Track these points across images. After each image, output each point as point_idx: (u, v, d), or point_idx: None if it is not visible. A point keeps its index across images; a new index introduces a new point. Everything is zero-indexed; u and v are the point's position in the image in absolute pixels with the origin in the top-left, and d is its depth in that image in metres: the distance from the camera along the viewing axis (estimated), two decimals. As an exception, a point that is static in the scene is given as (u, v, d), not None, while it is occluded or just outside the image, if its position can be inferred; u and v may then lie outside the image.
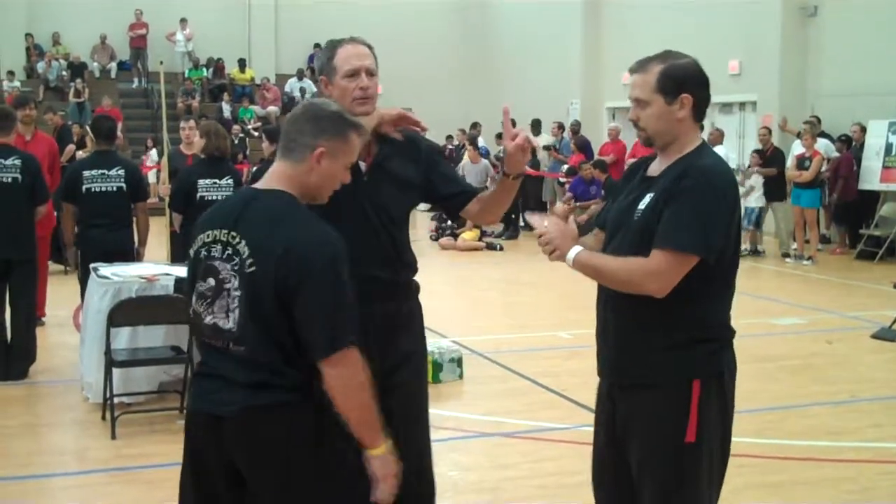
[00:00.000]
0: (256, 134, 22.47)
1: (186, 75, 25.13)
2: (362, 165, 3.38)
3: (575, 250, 2.97)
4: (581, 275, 3.02)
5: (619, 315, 3.03)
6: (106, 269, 6.78)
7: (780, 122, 16.10)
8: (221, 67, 25.79)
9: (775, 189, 14.28)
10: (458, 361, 7.36)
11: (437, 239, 16.31)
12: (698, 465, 2.97)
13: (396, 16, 25.52)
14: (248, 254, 2.75)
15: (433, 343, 7.31)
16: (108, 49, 25.39)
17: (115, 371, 6.07)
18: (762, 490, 5.11)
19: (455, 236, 16.01)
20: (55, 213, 9.37)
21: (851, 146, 14.88)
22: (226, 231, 2.82)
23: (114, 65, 25.48)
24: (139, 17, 24.98)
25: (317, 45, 24.52)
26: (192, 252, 2.92)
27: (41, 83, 24.01)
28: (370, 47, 3.48)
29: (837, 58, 16.05)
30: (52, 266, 10.77)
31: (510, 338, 9.01)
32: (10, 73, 23.27)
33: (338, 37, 3.53)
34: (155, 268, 6.95)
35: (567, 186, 16.78)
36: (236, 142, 21.99)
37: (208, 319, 2.83)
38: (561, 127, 19.54)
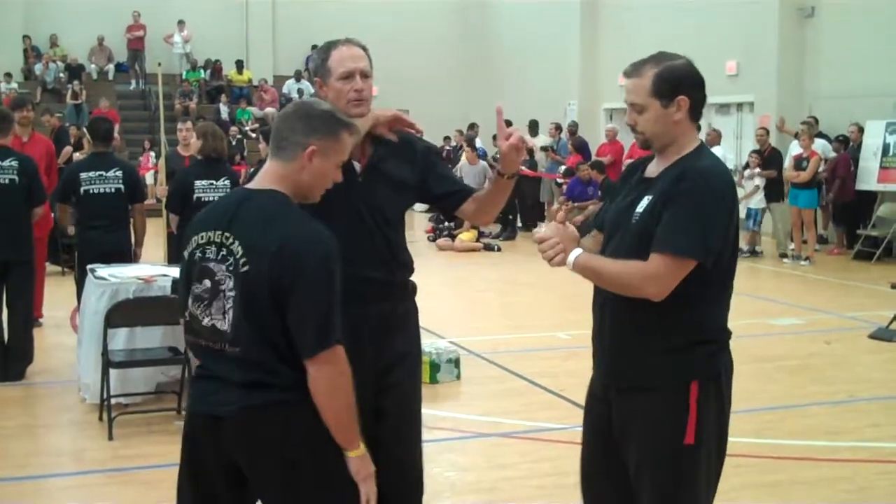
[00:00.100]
0: (254, 135, 22.46)
1: (184, 77, 25.11)
2: (357, 166, 3.38)
3: (575, 253, 2.96)
4: (579, 276, 3.02)
5: (617, 318, 3.02)
6: (103, 271, 6.78)
7: (777, 123, 16.11)
8: (219, 69, 25.77)
9: (773, 190, 14.29)
10: (456, 362, 7.36)
11: (434, 240, 16.31)
12: (697, 466, 2.96)
13: (395, 16, 25.52)
14: (242, 254, 2.75)
15: (431, 343, 7.32)
16: (106, 51, 25.37)
17: (113, 372, 6.06)
18: (760, 490, 5.11)
19: (453, 237, 16.01)
20: (52, 215, 9.36)
21: (849, 147, 14.89)
22: (220, 232, 2.81)
23: (111, 66, 25.46)
24: (137, 18, 24.96)
25: (314, 47, 24.48)
26: (186, 254, 2.91)
27: (38, 85, 24.00)
28: (365, 49, 3.47)
29: (835, 58, 16.07)
30: (50, 267, 10.77)
31: (508, 338, 9.01)
32: (8, 75, 23.25)
33: (336, 38, 3.52)
34: (152, 269, 6.95)
35: (564, 187, 16.78)
36: (234, 143, 21.97)
37: (206, 321, 2.82)
38: (558, 128, 19.54)
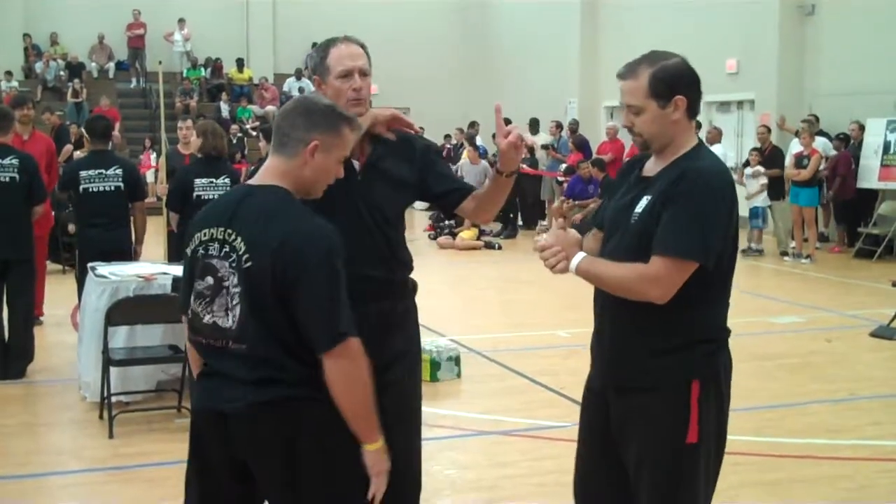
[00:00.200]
0: (255, 133, 22.47)
1: (184, 75, 25.12)
2: (356, 164, 3.38)
3: (577, 258, 2.95)
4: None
5: (617, 319, 3.01)
6: (104, 269, 6.78)
7: (778, 121, 16.10)
8: (219, 67, 25.79)
9: (774, 188, 14.28)
10: (457, 360, 7.36)
11: (435, 238, 16.31)
12: (697, 465, 2.96)
13: (395, 15, 25.53)
14: (245, 249, 2.75)
15: (431, 341, 7.33)
16: (106, 49, 25.38)
17: (113, 370, 6.06)
18: (760, 488, 5.10)
19: (453, 235, 16.02)
20: (52, 213, 9.36)
21: (849, 145, 14.88)
22: (222, 228, 2.81)
23: (112, 65, 25.47)
24: (137, 17, 24.97)
25: (315, 45, 24.46)
26: (188, 251, 2.90)
27: (39, 83, 24.00)
28: (363, 47, 3.46)
29: (835, 56, 16.06)
30: (50, 265, 10.76)
31: (508, 336, 9.01)
32: (8, 74, 23.26)
33: (334, 36, 3.51)
34: (152, 267, 6.95)
35: (565, 185, 16.78)
36: (234, 141, 21.99)
37: (207, 319, 2.82)
38: (559, 126, 19.54)
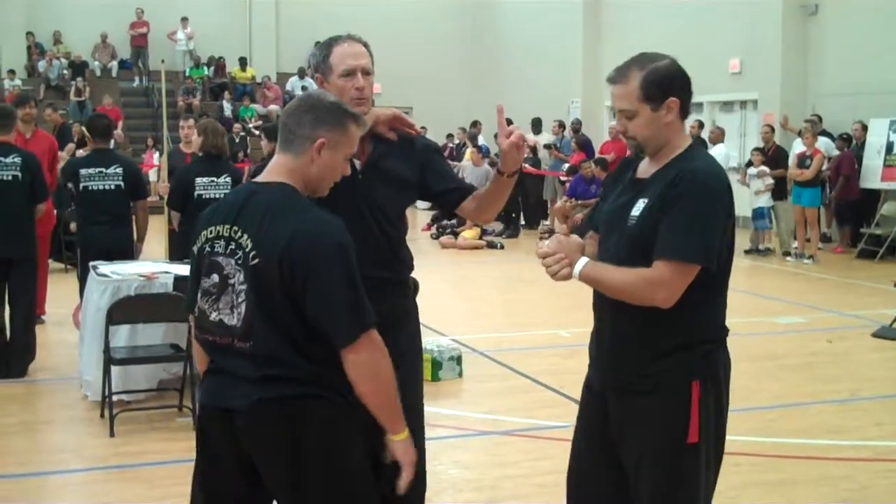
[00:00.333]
0: (257, 132, 22.45)
1: (187, 74, 25.13)
2: (357, 164, 3.38)
3: (580, 263, 2.94)
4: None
5: (617, 321, 3.00)
6: (105, 268, 6.78)
7: (780, 121, 16.09)
8: (222, 66, 25.79)
9: (776, 188, 14.27)
10: (458, 360, 7.35)
11: (437, 237, 16.32)
12: (698, 465, 2.96)
13: (398, 14, 25.53)
14: (251, 247, 2.74)
15: (433, 341, 7.33)
16: (109, 48, 25.39)
17: (114, 369, 6.07)
18: (762, 488, 5.10)
19: (456, 235, 16.02)
20: (55, 212, 9.37)
21: (852, 145, 14.87)
22: (228, 226, 2.80)
23: (115, 63, 25.48)
24: (140, 15, 24.98)
25: (317, 44, 24.48)
26: (195, 249, 2.90)
27: (42, 82, 24.02)
28: (366, 45, 3.45)
29: (838, 56, 16.04)
30: (53, 264, 10.78)
31: (510, 336, 9.00)
32: (11, 72, 23.28)
33: (337, 34, 3.51)
34: (154, 266, 6.95)
35: (567, 185, 16.77)
36: (237, 140, 22.00)
37: (213, 316, 2.81)
38: (562, 125, 19.54)
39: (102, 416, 6.16)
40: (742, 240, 14.82)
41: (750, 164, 14.65)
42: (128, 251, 7.59)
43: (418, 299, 3.75)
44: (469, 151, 19.03)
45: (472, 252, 15.45)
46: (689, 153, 2.99)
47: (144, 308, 6.22)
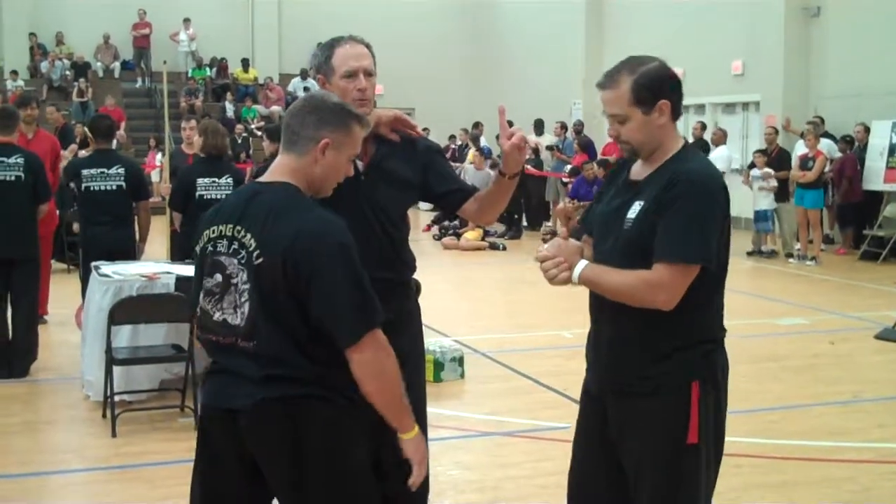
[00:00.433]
0: (259, 133, 22.43)
1: (190, 75, 25.14)
2: (360, 165, 3.37)
3: (580, 267, 2.93)
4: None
5: (616, 323, 3.00)
6: (107, 268, 6.79)
7: (783, 123, 16.08)
8: (225, 67, 25.80)
9: (779, 190, 14.27)
10: (460, 361, 7.35)
11: (440, 238, 16.33)
12: (698, 466, 2.96)
13: (400, 15, 25.54)
14: (255, 246, 2.74)
15: (435, 342, 7.32)
16: (112, 49, 25.40)
17: (116, 369, 6.07)
18: (764, 490, 5.09)
19: (458, 236, 16.03)
20: (57, 212, 9.37)
21: (854, 147, 14.85)
22: (231, 225, 2.80)
23: (117, 64, 25.50)
24: (142, 16, 24.99)
25: (320, 45, 24.50)
26: (197, 249, 2.90)
27: (45, 83, 24.03)
28: (368, 46, 3.46)
29: (841, 58, 16.03)
30: (55, 264, 10.77)
31: (512, 337, 9.00)
32: (14, 73, 23.30)
33: (339, 35, 3.51)
34: (156, 266, 6.95)
35: (569, 186, 16.77)
36: (239, 141, 22.01)
37: (217, 316, 2.81)
38: (564, 127, 19.54)
39: (104, 416, 6.16)
40: (745, 242, 14.83)
41: (752, 165, 14.64)
42: (129, 251, 7.60)
43: (420, 300, 3.74)
44: (471, 153, 19.04)
45: (475, 253, 15.45)
46: (683, 154, 2.98)
47: (146, 308, 6.22)
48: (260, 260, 2.72)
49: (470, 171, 17.35)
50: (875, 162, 14.43)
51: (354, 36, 3.46)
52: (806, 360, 8.09)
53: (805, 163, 13.80)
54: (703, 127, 16.79)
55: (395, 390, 2.76)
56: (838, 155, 14.71)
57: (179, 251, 7.60)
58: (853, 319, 9.80)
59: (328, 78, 3.38)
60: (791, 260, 14.04)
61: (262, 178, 2.93)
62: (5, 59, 24.16)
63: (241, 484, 2.84)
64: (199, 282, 2.89)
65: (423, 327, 3.71)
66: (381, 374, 2.73)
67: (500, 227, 17.29)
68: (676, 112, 2.98)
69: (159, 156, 19.49)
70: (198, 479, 2.91)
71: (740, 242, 14.91)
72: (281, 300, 2.70)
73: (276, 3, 26.35)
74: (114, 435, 5.90)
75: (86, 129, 11.56)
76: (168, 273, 6.60)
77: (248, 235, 2.75)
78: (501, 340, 8.77)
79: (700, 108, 19.04)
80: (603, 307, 3.01)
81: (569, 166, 17.75)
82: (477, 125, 21.41)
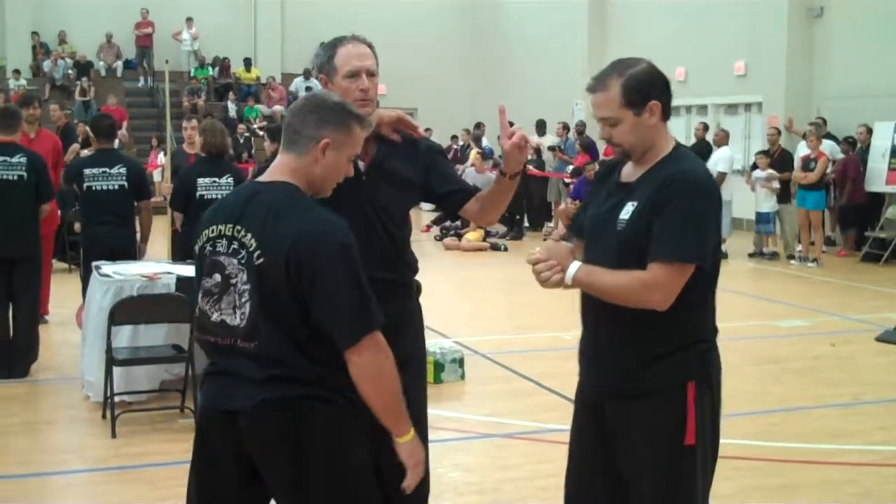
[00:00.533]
0: (262, 133, 22.43)
1: (192, 74, 25.14)
2: (361, 165, 3.37)
3: (573, 268, 2.93)
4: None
5: (611, 326, 3.00)
6: (108, 268, 6.78)
7: (785, 124, 16.07)
8: (227, 66, 25.79)
9: (781, 191, 14.25)
10: (460, 362, 7.34)
11: (441, 239, 16.33)
12: (696, 466, 2.96)
13: (403, 15, 25.53)
14: (256, 246, 2.73)
15: (435, 343, 7.31)
16: (114, 48, 25.40)
17: (116, 369, 6.06)
18: (764, 493, 5.08)
19: (459, 236, 16.02)
20: (59, 212, 9.37)
21: (856, 148, 14.84)
22: (230, 225, 2.79)
23: (120, 63, 25.49)
24: (145, 16, 24.99)
25: (322, 45, 24.50)
26: (196, 248, 2.89)
27: (47, 82, 24.03)
28: (371, 46, 3.45)
29: (843, 59, 16.01)
30: (56, 264, 10.77)
31: (513, 338, 9.00)
32: (16, 72, 23.30)
33: (342, 35, 3.50)
34: (157, 266, 6.95)
35: (571, 187, 16.76)
36: (241, 141, 22.00)
37: (215, 317, 2.80)
38: (566, 127, 19.52)
39: (104, 416, 6.15)
40: (746, 243, 14.82)
41: (755, 166, 14.63)
42: (131, 251, 7.60)
43: (421, 301, 3.74)
44: (473, 153, 19.02)
45: (476, 254, 15.44)
46: (676, 155, 2.99)
47: (147, 309, 6.22)
48: (261, 260, 2.71)
49: (471, 174, 17.31)
50: (877, 163, 14.41)
51: (357, 36, 3.46)
52: (807, 362, 8.08)
53: (807, 164, 13.79)
54: (706, 128, 16.77)
55: (392, 393, 2.75)
56: (840, 156, 14.69)
57: (181, 251, 7.60)
58: (854, 321, 9.79)
59: (330, 78, 3.37)
60: (792, 261, 14.03)
61: (261, 178, 2.92)
62: (8, 58, 24.17)
63: (239, 486, 2.83)
64: (200, 282, 2.88)
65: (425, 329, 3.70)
66: (380, 376, 2.72)
67: (502, 228, 17.28)
68: (667, 113, 2.99)
69: (161, 155, 19.50)
70: (194, 480, 2.91)
71: (742, 244, 14.91)
72: (282, 300, 2.69)
73: (278, 3, 26.34)
74: (114, 435, 5.90)
75: (88, 128, 11.56)
76: (169, 273, 6.60)
77: (249, 235, 2.74)
78: (502, 342, 8.76)
79: (702, 108, 19.03)
80: (597, 310, 3.01)
81: (571, 167, 17.73)
82: (479, 125, 21.41)
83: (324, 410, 2.73)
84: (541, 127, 19.67)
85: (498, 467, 5.51)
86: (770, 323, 9.55)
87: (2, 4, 24.23)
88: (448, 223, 16.65)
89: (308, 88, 24.46)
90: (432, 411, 3.73)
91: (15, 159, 7.32)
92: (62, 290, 9.52)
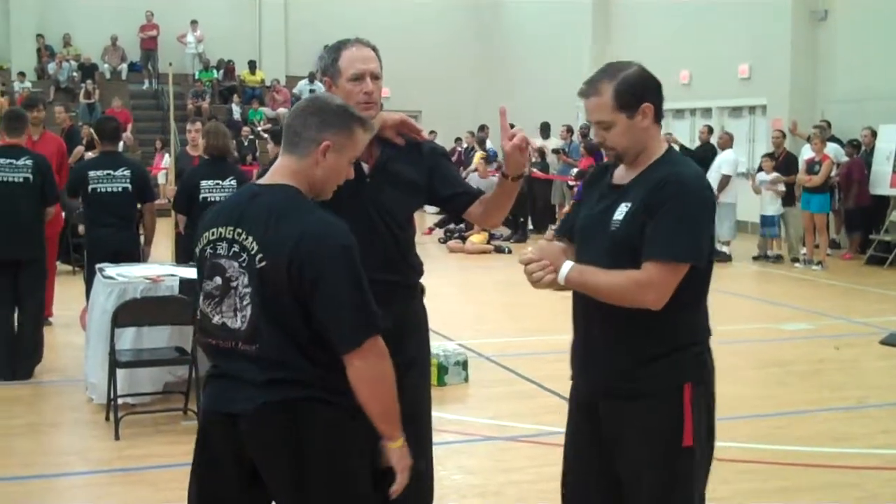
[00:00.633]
0: (266, 136, 22.45)
1: (196, 77, 25.17)
2: (365, 167, 3.37)
3: (566, 268, 2.94)
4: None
5: (605, 327, 3.00)
6: (111, 270, 6.79)
7: (790, 126, 16.05)
8: (232, 69, 25.83)
9: (786, 194, 14.23)
10: (464, 364, 7.34)
11: (445, 241, 16.33)
12: (692, 467, 2.98)
13: (407, 18, 25.56)
14: (257, 249, 2.72)
15: (438, 346, 7.31)
16: (119, 50, 25.45)
17: (120, 372, 6.06)
18: (768, 495, 5.07)
19: (463, 239, 16.03)
20: (63, 214, 9.38)
21: (861, 151, 14.82)
22: (231, 228, 2.79)
23: (124, 66, 25.53)
24: (150, 18, 25.04)
25: (326, 48, 24.51)
26: (197, 251, 2.89)
27: (52, 84, 24.08)
28: (375, 49, 3.46)
29: (848, 62, 16.00)
30: (61, 266, 10.79)
31: (516, 341, 8.99)
32: (21, 74, 23.35)
33: (346, 38, 3.51)
34: (160, 268, 6.96)
35: (575, 190, 16.74)
36: (246, 143, 22.02)
37: (216, 319, 2.80)
38: (570, 130, 19.52)
39: (108, 418, 6.16)
40: (750, 246, 14.80)
41: (760, 169, 14.62)
42: (134, 253, 7.60)
43: (424, 303, 3.74)
44: (477, 155, 19.02)
45: (480, 256, 15.44)
46: (669, 157, 3.02)
47: (150, 311, 6.22)
48: (263, 263, 2.71)
49: (474, 179, 17.31)
50: (882, 166, 14.39)
51: (361, 39, 3.47)
52: (811, 365, 8.07)
53: (811, 167, 13.77)
54: (710, 130, 16.78)
55: (390, 397, 2.76)
56: (845, 159, 14.67)
57: (184, 253, 7.60)
58: (859, 324, 9.77)
59: (334, 80, 3.38)
60: (797, 264, 14.01)
61: (261, 180, 2.92)
62: (13, 61, 24.22)
63: (239, 488, 2.83)
64: (201, 284, 2.88)
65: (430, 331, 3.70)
66: (379, 381, 2.73)
67: (506, 231, 17.28)
68: (659, 115, 3.01)
69: (166, 157, 19.52)
70: (195, 482, 2.91)
71: (746, 247, 14.89)
72: (283, 303, 2.69)
73: (283, 6, 26.38)
74: (117, 438, 5.90)
75: (92, 130, 11.57)
76: (172, 275, 6.60)
77: (250, 238, 2.74)
78: (505, 344, 8.76)
79: (707, 111, 19.01)
80: (590, 310, 3.01)
81: (575, 170, 17.72)
82: (482, 128, 21.41)
83: (325, 413, 2.73)
84: (545, 129, 19.66)
85: (501, 470, 5.51)
86: (774, 326, 9.53)
87: (7, 7, 24.28)
88: (452, 226, 16.65)
89: (312, 91, 24.50)
90: (435, 414, 3.74)
91: (21, 162, 7.34)
92: (66, 292, 9.53)
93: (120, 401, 6.08)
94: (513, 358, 8.14)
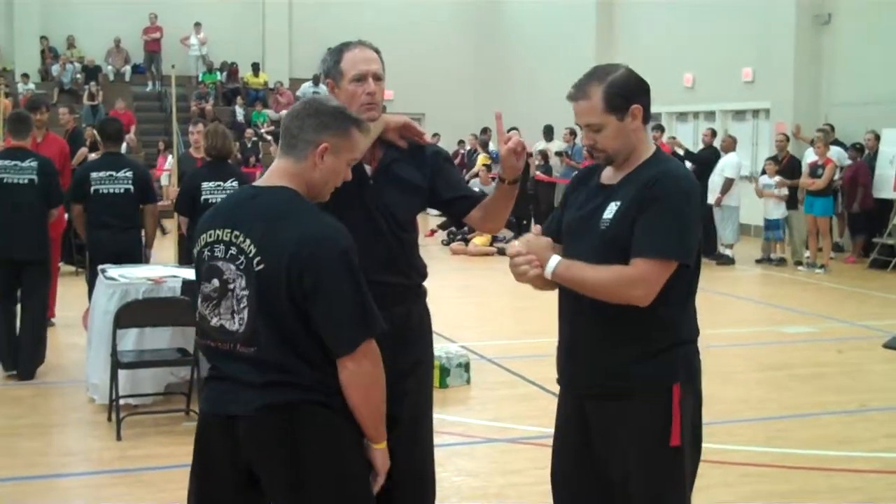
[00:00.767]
0: (269, 138, 22.53)
1: (200, 79, 25.20)
2: (368, 169, 3.37)
3: (553, 262, 2.94)
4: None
5: (593, 326, 3.00)
6: (113, 271, 6.80)
7: (793, 130, 16.04)
8: (235, 71, 25.86)
9: (789, 197, 14.22)
10: (466, 366, 7.33)
11: (448, 243, 16.33)
12: (682, 466, 2.99)
13: (410, 21, 25.59)
14: (255, 252, 2.72)
15: (441, 347, 7.30)
16: (123, 52, 25.49)
17: (122, 372, 6.06)
18: (770, 499, 5.06)
19: (466, 241, 16.03)
20: (66, 216, 9.38)
21: (864, 154, 14.80)
22: (228, 230, 2.78)
23: (128, 68, 25.58)
24: (153, 20, 25.08)
25: (330, 50, 24.54)
26: (195, 253, 2.89)
27: (55, 86, 24.12)
28: (377, 51, 3.46)
29: (851, 66, 15.99)
30: (63, 267, 10.81)
31: (518, 343, 8.98)
32: (25, 76, 23.38)
33: (349, 40, 3.51)
34: (162, 270, 6.97)
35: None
36: (249, 146, 22.04)
37: (214, 321, 2.80)
38: (573, 133, 19.50)
39: (109, 419, 6.16)
40: (753, 249, 14.79)
41: (763, 173, 14.61)
42: (136, 255, 7.60)
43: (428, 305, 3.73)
44: (481, 157, 19.03)
45: (482, 258, 15.45)
46: (657, 158, 3.03)
47: (152, 312, 6.22)
48: (261, 266, 2.70)
49: (476, 185, 17.33)
50: (885, 170, 14.38)
51: (364, 41, 3.47)
52: (813, 368, 8.05)
53: (815, 170, 13.76)
54: (714, 134, 16.77)
55: (379, 401, 2.78)
56: (848, 163, 14.66)
57: (187, 255, 7.61)
58: (861, 328, 9.76)
59: (337, 82, 3.38)
60: (800, 268, 14.00)
61: (258, 182, 2.92)
62: (16, 63, 24.26)
63: (236, 490, 2.83)
64: (199, 286, 2.88)
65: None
66: (371, 385, 2.74)
67: (509, 233, 17.27)
68: (647, 117, 3.03)
69: (169, 159, 19.54)
70: (194, 484, 2.91)
71: (749, 250, 14.88)
72: (281, 305, 2.69)
73: (286, 8, 26.41)
74: (118, 438, 5.91)
75: (95, 132, 11.58)
76: (174, 276, 6.61)
77: (248, 241, 2.74)
78: (508, 346, 8.76)
79: (710, 114, 19.01)
80: (577, 307, 3.01)
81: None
82: (485, 130, 21.42)
83: (323, 414, 2.73)
84: (548, 132, 19.67)
85: (502, 472, 5.50)
86: (777, 329, 9.52)
87: (11, 9, 24.33)
88: (454, 228, 16.64)
89: (315, 93, 24.52)
90: (437, 416, 3.73)
91: (26, 163, 7.35)
92: (69, 293, 9.54)
93: (122, 401, 6.09)
94: (515, 360, 8.14)
